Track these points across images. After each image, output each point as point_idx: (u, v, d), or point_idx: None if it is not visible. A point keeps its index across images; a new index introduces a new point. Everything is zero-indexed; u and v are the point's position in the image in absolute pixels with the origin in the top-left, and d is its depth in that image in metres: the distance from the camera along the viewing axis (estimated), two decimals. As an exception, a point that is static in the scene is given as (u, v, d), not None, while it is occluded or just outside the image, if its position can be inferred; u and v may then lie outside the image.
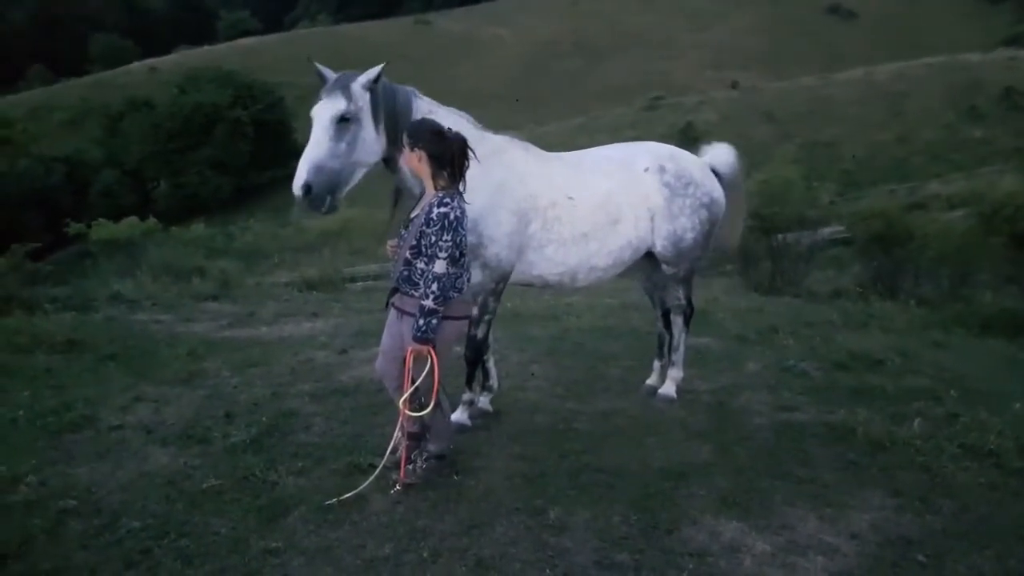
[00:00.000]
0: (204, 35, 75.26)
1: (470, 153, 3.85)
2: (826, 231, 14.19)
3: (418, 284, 3.79)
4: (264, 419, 4.91)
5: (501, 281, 4.61)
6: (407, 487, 3.96)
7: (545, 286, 4.90)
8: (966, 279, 11.06)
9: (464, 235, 3.79)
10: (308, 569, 3.30)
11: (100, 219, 15.23)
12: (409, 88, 4.29)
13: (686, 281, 5.23)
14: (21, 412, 5.08)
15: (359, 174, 4.15)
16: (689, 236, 4.96)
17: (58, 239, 20.77)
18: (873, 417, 4.87)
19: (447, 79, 59.42)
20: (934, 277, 11.31)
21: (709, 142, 5.62)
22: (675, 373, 5.45)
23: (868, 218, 12.48)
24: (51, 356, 6.38)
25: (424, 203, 3.86)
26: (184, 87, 42.49)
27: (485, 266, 4.48)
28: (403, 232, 3.94)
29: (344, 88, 4.01)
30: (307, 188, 3.90)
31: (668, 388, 5.40)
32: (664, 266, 5.10)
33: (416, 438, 4.09)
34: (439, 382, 3.82)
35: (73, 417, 4.98)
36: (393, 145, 4.16)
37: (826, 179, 20.86)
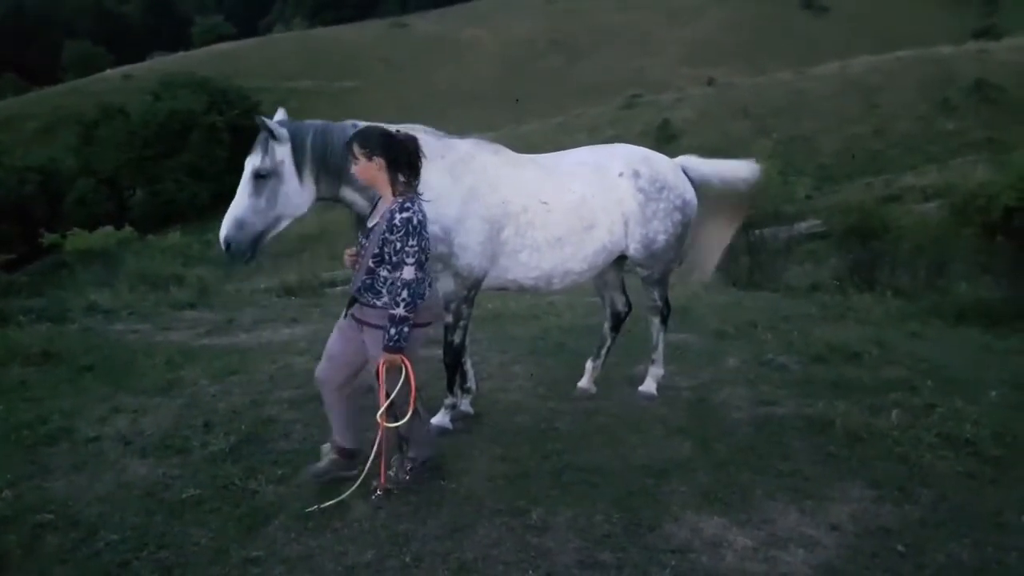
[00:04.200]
0: (178, 41, 74.55)
1: (422, 150, 3.83)
2: (803, 225, 14.30)
3: (381, 292, 3.75)
4: (243, 427, 4.87)
5: (474, 288, 4.59)
6: (387, 492, 3.94)
7: (520, 290, 4.89)
8: (942, 270, 11.17)
9: (428, 239, 3.76)
10: (289, 578, 3.28)
11: (75, 229, 15.07)
12: (348, 123, 4.19)
13: (660, 282, 5.25)
14: (-5, 426, 5.01)
15: (283, 224, 4.16)
16: (662, 239, 4.98)
17: (33, 250, 20.54)
18: (851, 409, 4.91)
19: (425, 81, 59.35)
20: (910, 268, 11.41)
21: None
22: (656, 371, 5.47)
23: (845, 211, 12.59)
24: (26, 368, 6.29)
25: (383, 210, 3.80)
26: (159, 94, 42.09)
27: (457, 275, 4.46)
28: (363, 240, 3.87)
29: (263, 142, 4.00)
30: (227, 244, 4.02)
31: (649, 385, 5.42)
32: (638, 269, 5.12)
33: (395, 443, 4.07)
34: (416, 389, 3.78)
35: (49, 430, 4.92)
36: (334, 186, 4.15)
37: (803, 173, 21.02)
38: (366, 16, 78.64)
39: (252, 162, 4.01)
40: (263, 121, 4.02)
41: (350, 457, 4.06)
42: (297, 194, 4.07)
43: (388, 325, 3.65)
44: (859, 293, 9.97)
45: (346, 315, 3.98)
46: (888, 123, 33.63)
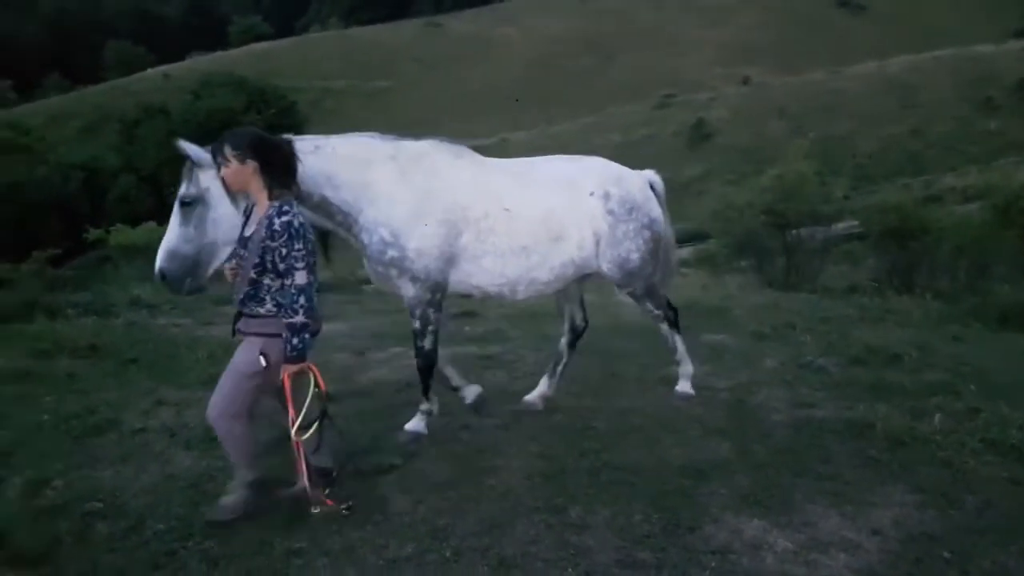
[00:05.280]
0: (217, 41, 75.69)
1: (297, 151, 3.73)
2: (840, 226, 14.15)
3: (264, 300, 3.60)
4: (281, 423, 4.93)
5: (437, 292, 4.47)
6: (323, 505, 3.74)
7: (485, 296, 4.81)
8: (983, 272, 10.99)
9: (313, 240, 3.60)
10: (332, 569, 3.33)
11: (118, 224, 15.40)
12: (284, 138, 3.97)
13: (648, 295, 5.10)
14: (46, 417, 5.15)
15: (223, 253, 3.99)
16: (635, 257, 4.86)
17: (77, 245, 20.93)
18: (892, 412, 4.85)
19: (458, 80, 59.58)
20: (950, 270, 11.24)
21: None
22: (685, 370, 5.42)
23: (883, 212, 12.44)
24: (74, 361, 6.45)
25: (259, 217, 3.61)
26: (198, 93, 42.76)
27: (415, 279, 4.36)
28: (241, 251, 3.68)
29: (188, 169, 3.93)
30: (161, 274, 3.98)
31: (684, 385, 5.39)
32: (617, 288, 5.04)
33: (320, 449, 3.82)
34: (326, 393, 3.66)
35: (97, 421, 5.04)
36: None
37: (839, 174, 20.80)
38: (401, 16, 79.16)
39: (179, 190, 3.93)
40: (182, 147, 3.92)
41: (258, 488, 3.80)
42: (231, 217, 3.90)
43: (288, 335, 3.50)
44: (898, 295, 9.84)
45: (234, 332, 3.80)
46: (927, 123, 33.12)
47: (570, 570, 3.30)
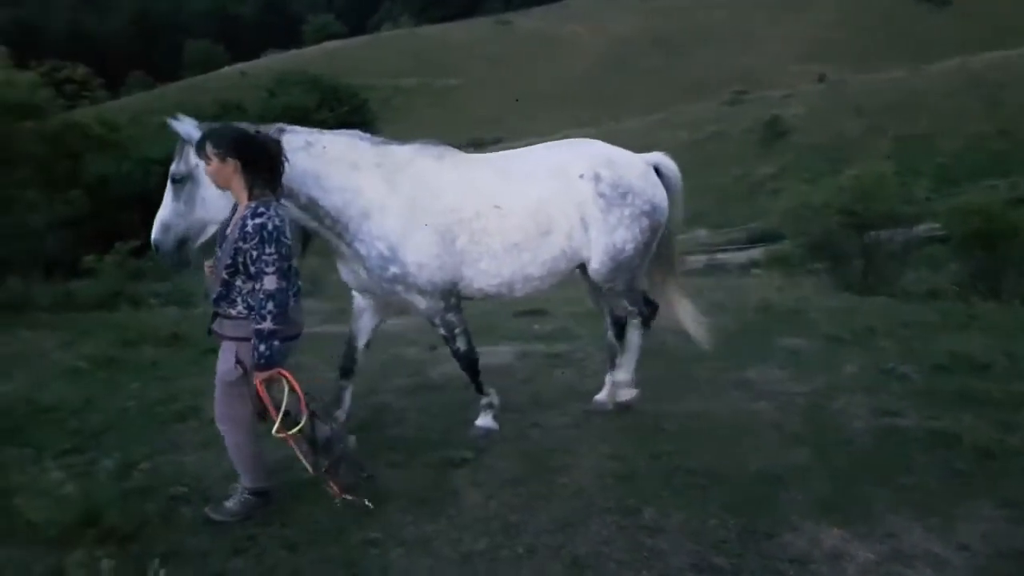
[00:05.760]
0: (291, 39, 77.58)
1: (286, 148, 3.68)
2: (921, 228, 13.64)
3: (235, 302, 3.56)
4: (359, 413, 5.03)
5: (450, 297, 4.44)
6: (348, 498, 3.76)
7: (485, 298, 4.72)
8: (1076, 278, 10.46)
9: (288, 245, 3.48)
10: (407, 560, 3.38)
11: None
12: (275, 127, 4.00)
13: (628, 291, 4.87)
14: (131, 402, 5.38)
15: (209, 230, 4.04)
16: (629, 248, 4.62)
17: (157, 237, 21.72)
18: (979, 423, 4.65)
19: (526, 78, 59.65)
20: (1041, 276, 10.73)
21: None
22: (623, 375, 5.08)
23: (966, 214, 11.94)
24: (157, 349, 6.70)
25: (237, 216, 3.56)
26: (273, 90, 43.77)
27: (423, 292, 4.33)
28: (217, 251, 3.64)
29: (180, 146, 3.94)
30: (155, 246, 4.07)
31: (625, 392, 5.09)
32: (601, 284, 4.81)
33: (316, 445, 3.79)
34: (303, 394, 3.60)
35: (179, 408, 5.23)
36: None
37: (920, 174, 20.09)
38: (471, 14, 79.73)
39: (171, 167, 3.98)
40: (171, 124, 3.93)
41: (264, 497, 3.81)
42: (219, 198, 3.89)
43: (256, 341, 3.41)
44: (983, 301, 9.42)
45: (209, 331, 3.77)
46: (1014, 122, 31.69)
47: (644, 572, 3.27)
